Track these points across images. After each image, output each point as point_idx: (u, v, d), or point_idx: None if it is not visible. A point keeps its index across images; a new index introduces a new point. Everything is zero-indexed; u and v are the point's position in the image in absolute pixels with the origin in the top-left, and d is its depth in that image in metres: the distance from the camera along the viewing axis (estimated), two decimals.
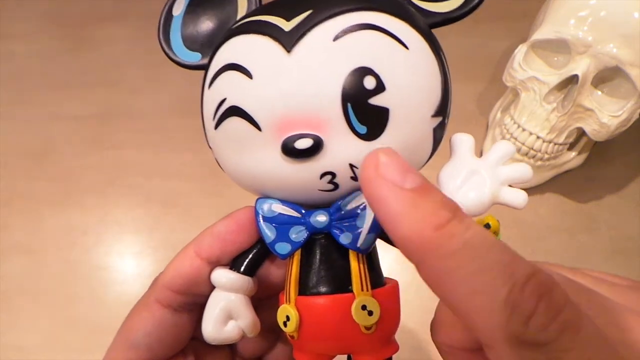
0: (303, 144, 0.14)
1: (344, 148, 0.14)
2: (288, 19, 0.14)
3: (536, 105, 0.44)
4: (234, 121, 0.15)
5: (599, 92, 0.43)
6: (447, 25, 0.16)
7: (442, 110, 0.16)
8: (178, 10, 0.18)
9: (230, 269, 0.18)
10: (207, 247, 0.18)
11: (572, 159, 0.48)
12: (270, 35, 0.14)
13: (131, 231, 0.46)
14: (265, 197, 0.17)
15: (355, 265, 0.16)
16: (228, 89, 0.15)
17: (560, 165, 0.48)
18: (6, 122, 0.53)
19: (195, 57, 0.18)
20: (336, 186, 0.15)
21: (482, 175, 0.16)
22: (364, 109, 0.14)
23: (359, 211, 0.15)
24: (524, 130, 0.45)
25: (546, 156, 0.45)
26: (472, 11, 0.16)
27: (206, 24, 0.18)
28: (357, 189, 0.15)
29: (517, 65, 0.45)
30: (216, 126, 0.16)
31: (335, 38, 0.14)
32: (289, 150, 0.14)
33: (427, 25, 0.16)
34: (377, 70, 0.14)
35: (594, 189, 0.49)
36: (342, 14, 0.14)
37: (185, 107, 0.53)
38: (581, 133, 0.46)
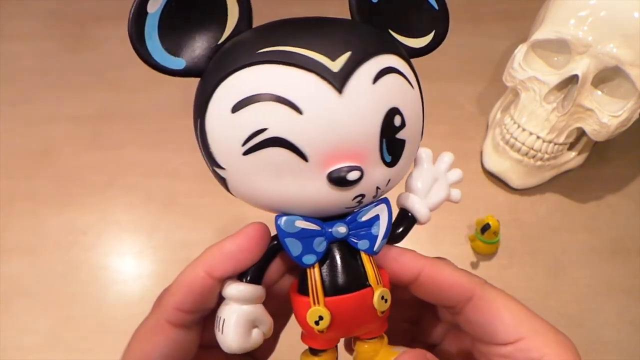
0: (353, 176, 0.16)
1: (375, 174, 0.17)
2: (332, 58, 0.16)
3: (536, 105, 0.44)
4: (276, 151, 0.16)
5: (599, 92, 0.43)
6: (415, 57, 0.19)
7: (422, 132, 0.19)
8: (154, 7, 0.16)
9: (240, 280, 0.19)
10: (220, 267, 0.18)
11: (572, 159, 0.48)
12: (318, 74, 0.15)
13: (131, 231, 0.46)
14: (283, 214, 0.18)
15: (368, 265, 0.19)
16: (270, 120, 0.15)
17: (560, 165, 0.48)
18: (6, 122, 0.53)
19: (178, 64, 0.17)
20: (360, 203, 0.18)
21: (440, 181, 0.21)
22: (392, 142, 0.17)
23: (373, 221, 0.18)
24: (524, 130, 0.45)
25: (546, 156, 0.45)
26: (436, 47, 0.19)
27: (191, 28, 0.17)
28: (371, 203, 0.18)
29: (517, 65, 0.45)
30: (248, 152, 0.16)
31: (374, 81, 0.16)
32: (340, 181, 0.16)
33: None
34: (401, 110, 0.17)
35: (594, 189, 0.49)
36: (372, 57, 0.16)
37: (185, 107, 0.53)
38: (581, 133, 0.46)
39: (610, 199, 0.48)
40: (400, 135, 0.17)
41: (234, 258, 0.18)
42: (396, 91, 0.17)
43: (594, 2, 0.41)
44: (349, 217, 0.18)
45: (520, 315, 0.19)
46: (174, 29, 0.16)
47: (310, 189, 0.17)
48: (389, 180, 0.18)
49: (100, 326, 0.41)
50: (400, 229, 0.20)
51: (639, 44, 0.39)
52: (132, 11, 0.16)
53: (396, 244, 0.20)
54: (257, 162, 0.16)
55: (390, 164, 0.17)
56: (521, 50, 0.45)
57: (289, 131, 0.15)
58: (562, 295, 0.43)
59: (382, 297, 0.18)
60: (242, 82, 0.16)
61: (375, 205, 0.19)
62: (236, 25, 0.17)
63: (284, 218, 0.18)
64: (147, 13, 0.16)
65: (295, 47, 0.16)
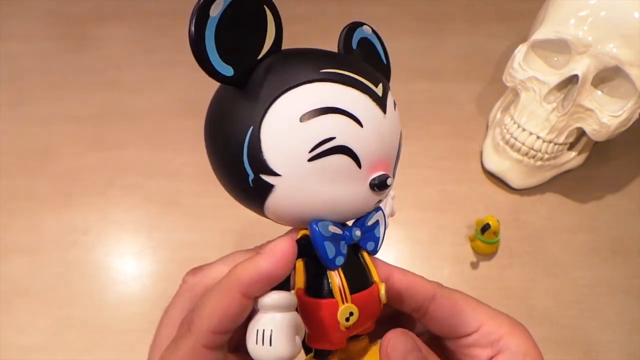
0: (390, 181, 0.19)
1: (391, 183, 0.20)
2: (375, 85, 0.19)
3: (536, 105, 0.44)
4: (339, 158, 0.18)
5: (599, 92, 0.43)
6: None
7: None
8: (216, 11, 0.16)
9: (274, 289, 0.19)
10: (256, 286, 0.18)
11: (572, 159, 0.48)
12: (370, 96, 0.18)
13: (131, 231, 0.46)
14: (318, 220, 0.19)
15: (371, 264, 0.21)
16: (338, 130, 0.18)
17: (560, 165, 0.48)
18: (6, 122, 0.53)
19: (227, 71, 0.17)
20: (374, 208, 0.20)
21: (389, 196, 0.25)
22: (398, 157, 0.21)
23: (375, 225, 0.21)
24: (524, 130, 0.45)
25: (546, 156, 0.45)
26: None
27: (240, 39, 0.17)
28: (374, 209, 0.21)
29: (517, 65, 0.45)
30: (314, 158, 0.17)
31: (394, 108, 0.20)
32: (382, 185, 0.19)
33: None
34: (401, 133, 0.21)
35: (594, 189, 0.49)
36: (389, 90, 0.20)
37: (185, 107, 0.53)
38: (581, 133, 0.46)
39: (610, 199, 0.48)
40: (399, 153, 0.21)
41: (270, 276, 0.18)
42: (398, 119, 0.21)
43: (594, 2, 0.41)
44: (359, 222, 0.20)
45: (475, 305, 0.21)
46: (227, 36, 0.17)
47: (352, 192, 0.19)
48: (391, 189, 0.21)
49: (100, 326, 0.41)
50: None
51: (639, 44, 0.39)
52: (195, 12, 0.16)
53: None
54: (320, 167, 0.18)
55: (393, 175, 0.21)
56: (521, 50, 0.45)
57: (353, 141, 0.18)
58: (562, 295, 0.43)
59: (385, 291, 0.20)
60: (311, 94, 0.17)
61: (376, 212, 0.21)
62: (272, 45, 0.18)
63: (320, 223, 0.19)
64: (209, 16, 0.16)
65: (351, 72, 0.18)
